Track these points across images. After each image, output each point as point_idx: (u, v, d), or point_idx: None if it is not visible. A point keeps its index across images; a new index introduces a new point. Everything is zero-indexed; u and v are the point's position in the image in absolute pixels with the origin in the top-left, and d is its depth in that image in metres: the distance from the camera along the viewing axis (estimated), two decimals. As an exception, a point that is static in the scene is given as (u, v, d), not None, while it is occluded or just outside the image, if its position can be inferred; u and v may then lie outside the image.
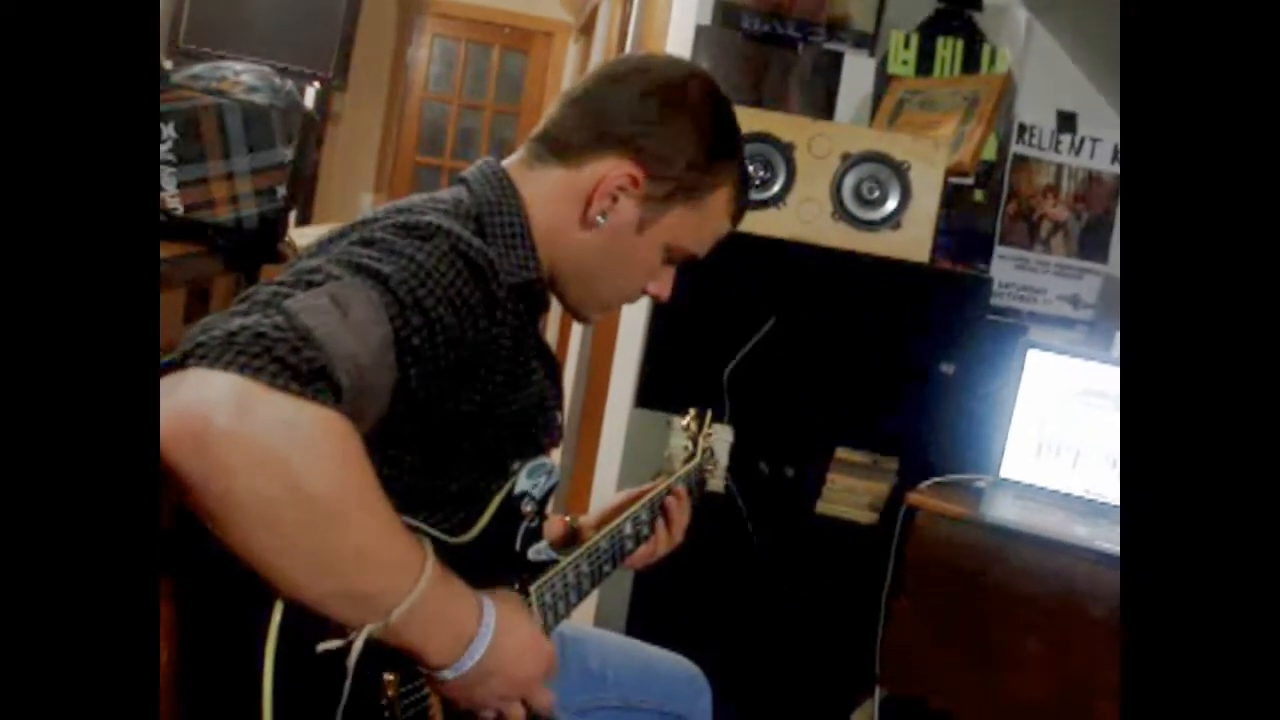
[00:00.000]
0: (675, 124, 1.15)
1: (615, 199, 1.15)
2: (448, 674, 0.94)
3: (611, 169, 1.14)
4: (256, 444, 0.78)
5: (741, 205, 1.24)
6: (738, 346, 2.15)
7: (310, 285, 0.89)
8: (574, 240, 1.17)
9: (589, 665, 1.44)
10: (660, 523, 1.40)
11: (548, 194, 1.16)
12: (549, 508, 1.20)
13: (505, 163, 1.19)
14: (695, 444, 1.53)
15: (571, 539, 1.39)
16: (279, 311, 0.85)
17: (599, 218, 1.15)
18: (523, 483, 1.12)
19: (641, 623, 2.21)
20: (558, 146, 1.17)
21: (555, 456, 3.70)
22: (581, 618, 2.50)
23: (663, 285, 1.24)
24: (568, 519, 1.44)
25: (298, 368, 0.80)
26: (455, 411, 1.03)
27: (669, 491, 1.42)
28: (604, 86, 1.17)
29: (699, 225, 1.20)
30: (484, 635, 0.95)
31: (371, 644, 0.88)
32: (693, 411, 1.55)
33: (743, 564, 2.20)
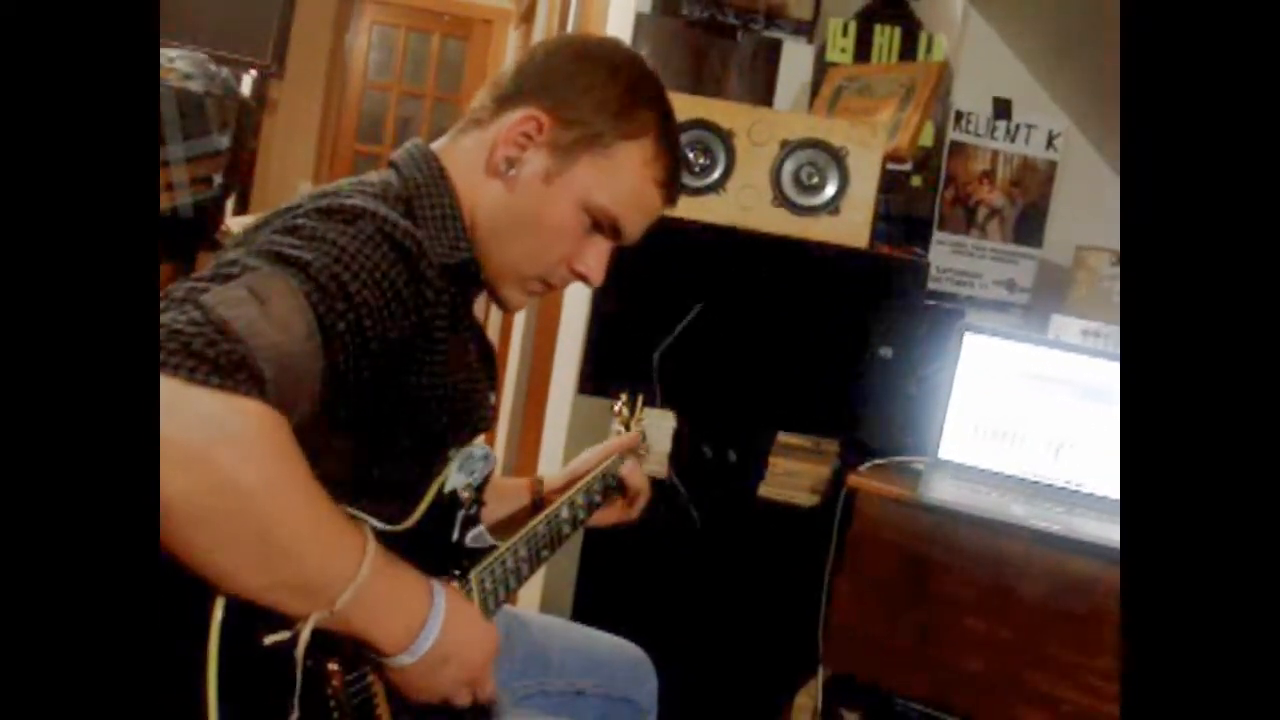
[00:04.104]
0: (586, 74, 1.14)
1: (522, 147, 1.13)
2: (406, 659, 0.94)
3: (518, 116, 1.14)
4: (179, 443, 0.76)
5: (670, 175, 1.18)
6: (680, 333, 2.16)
7: (228, 278, 0.88)
8: (486, 197, 1.14)
9: (534, 650, 1.45)
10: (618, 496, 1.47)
11: (466, 160, 1.15)
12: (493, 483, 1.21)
13: (434, 145, 1.18)
14: (628, 429, 1.55)
15: (535, 505, 1.42)
16: (195, 306, 0.83)
17: (505, 167, 1.13)
18: (459, 469, 1.12)
19: (587, 607, 2.22)
20: (476, 115, 1.17)
21: (499, 442, 3.69)
22: (527, 603, 2.51)
23: (591, 267, 1.17)
24: (533, 480, 1.47)
25: (216, 361, 0.79)
26: (389, 395, 1.02)
27: (604, 475, 1.44)
28: (524, 56, 1.18)
29: (611, 178, 1.14)
30: (436, 617, 0.95)
31: (317, 634, 0.88)
32: (624, 397, 1.57)
33: (687, 548, 2.22)
